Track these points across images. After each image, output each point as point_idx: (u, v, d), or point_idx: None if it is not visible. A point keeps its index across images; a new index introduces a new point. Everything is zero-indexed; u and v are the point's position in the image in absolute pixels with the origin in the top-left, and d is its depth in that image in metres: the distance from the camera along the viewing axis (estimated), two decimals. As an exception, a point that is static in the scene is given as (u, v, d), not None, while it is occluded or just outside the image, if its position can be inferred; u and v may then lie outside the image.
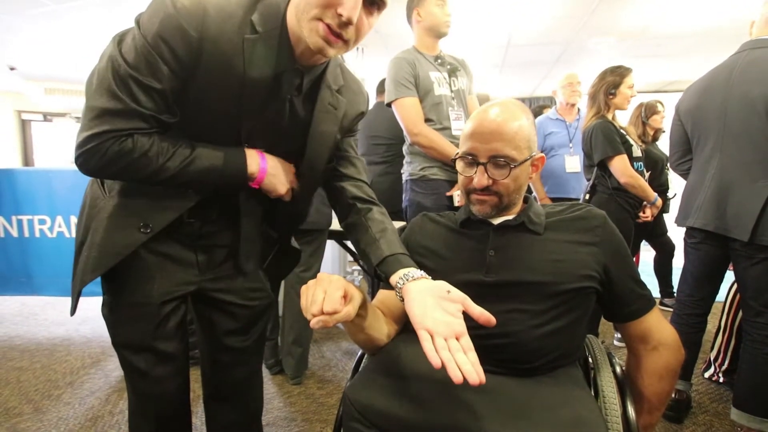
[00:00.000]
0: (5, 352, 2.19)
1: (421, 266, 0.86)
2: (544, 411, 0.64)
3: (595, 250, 0.79)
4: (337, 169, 0.87)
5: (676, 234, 2.79)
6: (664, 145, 2.59)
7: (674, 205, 2.43)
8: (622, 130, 1.87)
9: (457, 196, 1.60)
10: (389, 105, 1.64)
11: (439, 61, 1.65)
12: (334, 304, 0.61)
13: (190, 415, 0.94)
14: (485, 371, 0.66)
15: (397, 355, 0.75)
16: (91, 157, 0.63)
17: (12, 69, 4.49)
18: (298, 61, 0.70)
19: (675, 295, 2.80)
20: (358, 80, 0.87)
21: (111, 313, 0.79)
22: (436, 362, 0.56)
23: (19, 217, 2.44)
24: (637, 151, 1.88)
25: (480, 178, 0.78)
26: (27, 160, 5.86)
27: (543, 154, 0.86)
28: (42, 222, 2.45)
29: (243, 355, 0.92)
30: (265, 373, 1.91)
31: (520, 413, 0.64)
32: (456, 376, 0.54)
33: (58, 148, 5.76)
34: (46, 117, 5.91)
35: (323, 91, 0.76)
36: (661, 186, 2.63)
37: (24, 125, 5.87)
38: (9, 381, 1.82)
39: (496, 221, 0.84)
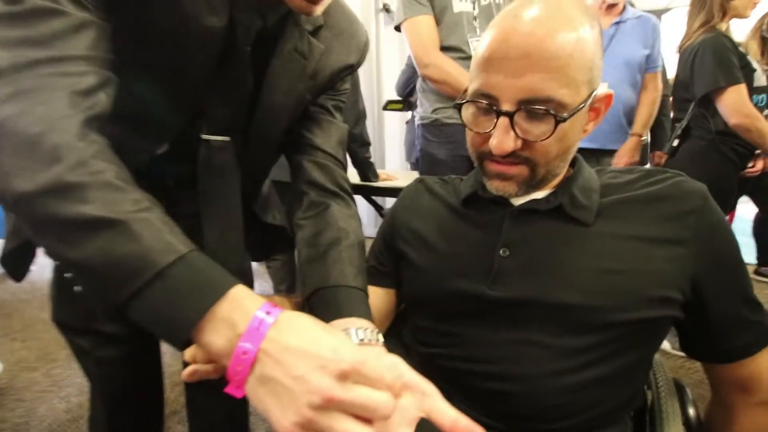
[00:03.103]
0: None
1: (404, 257, 0.62)
2: None
3: (684, 253, 0.47)
4: (300, 135, 0.61)
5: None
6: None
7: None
8: (741, 49, 1.33)
9: None
10: (398, 29, 1.31)
11: None
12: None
13: (156, 402, 0.84)
14: (485, 426, 0.40)
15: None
16: None
17: None
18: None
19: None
20: (353, 18, 0.60)
21: (52, 289, 0.69)
22: None
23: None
24: (760, 79, 1.35)
25: (502, 139, 0.46)
26: None
27: (611, 91, 0.52)
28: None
29: None
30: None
31: None
32: None
33: None
34: None
35: (288, 31, 0.53)
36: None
37: None
38: (52, 326, 1.95)
39: (518, 201, 0.54)
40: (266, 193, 0.76)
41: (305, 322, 0.33)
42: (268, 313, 0.33)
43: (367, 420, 0.30)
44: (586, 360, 0.48)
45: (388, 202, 2.72)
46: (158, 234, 0.33)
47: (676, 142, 1.46)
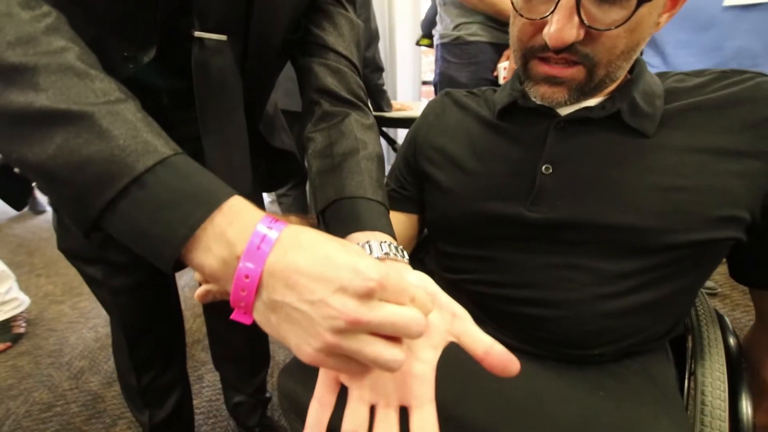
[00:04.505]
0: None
1: (429, 179, 0.56)
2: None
3: (760, 168, 0.41)
4: (308, 31, 0.52)
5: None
6: None
7: None
8: None
9: (503, 70, 1.15)
10: None
11: None
12: None
13: (175, 329, 0.84)
14: (516, 350, 0.37)
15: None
16: None
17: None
18: None
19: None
20: None
21: (54, 215, 0.66)
22: None
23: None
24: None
25: (562, 25, 0.37)
26: None
27: None
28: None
29: None
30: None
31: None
32: None
33: None
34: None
35: None
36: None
37: None
38: (76, 260, 2.01)
39: (565, 110, 0.47)
40: (272, 114, 0.69)
41: (314, 236, 0.28)
42: (269, 228, 0.27)
43: (396, 339, 0.27)
44: (634, 284, 0.44)
45: (400, 136, 2.61)
46: (133, 131, 0.27)
47: None
